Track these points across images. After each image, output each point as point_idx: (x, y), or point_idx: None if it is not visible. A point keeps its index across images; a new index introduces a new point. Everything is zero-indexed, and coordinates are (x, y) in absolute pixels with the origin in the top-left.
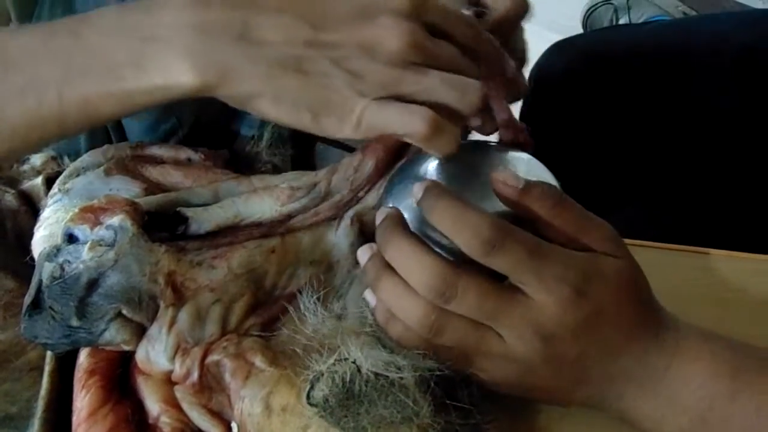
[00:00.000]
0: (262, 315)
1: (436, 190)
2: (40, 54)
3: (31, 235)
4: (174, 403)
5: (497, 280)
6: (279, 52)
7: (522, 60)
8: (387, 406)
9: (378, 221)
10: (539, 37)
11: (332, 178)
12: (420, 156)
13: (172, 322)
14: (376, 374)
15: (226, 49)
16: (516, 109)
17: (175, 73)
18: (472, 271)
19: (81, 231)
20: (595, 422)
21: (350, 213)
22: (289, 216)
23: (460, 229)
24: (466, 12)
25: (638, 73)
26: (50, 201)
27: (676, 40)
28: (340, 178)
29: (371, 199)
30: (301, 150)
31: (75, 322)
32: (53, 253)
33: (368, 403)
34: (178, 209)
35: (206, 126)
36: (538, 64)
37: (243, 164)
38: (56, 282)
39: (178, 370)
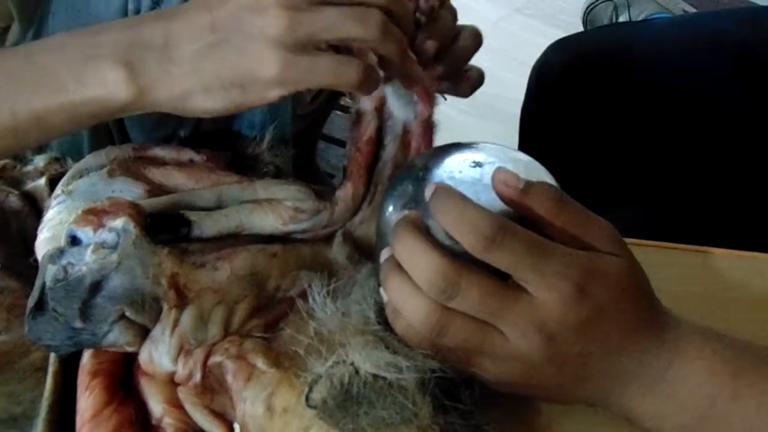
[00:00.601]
0: (265, 317)
1: (443, 190)
2: None
3: (34, 236)
4: (177, 404)
5: (501, 280)
6: (193, 46)
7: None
8: (386, 408)
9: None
10: (539, 32)
11: (335, 211)
12: (418, 157)
13: (175, 324)
14: (375, 376)
15: (153, 58)
16: (517, 106)
17: (111, 84)
18: (476, 270)
19: (84, 233)
20: (596, 422)
21: (339, 232)
22: (288, 233)
23: (460, 225)
24: None
25: (638, 71)
26: (53, 202)
27: (676, 38)
28: (341, 210)
29: (357, 217)
30: (303, 150)
31: (78, 324)
32: (56, 255)
33: (367, 404)
34: (181, 212)
35: (206, 127)
36: (538, 62)
37: (245, 165)
38: (60, 284)
39: (181, 371)
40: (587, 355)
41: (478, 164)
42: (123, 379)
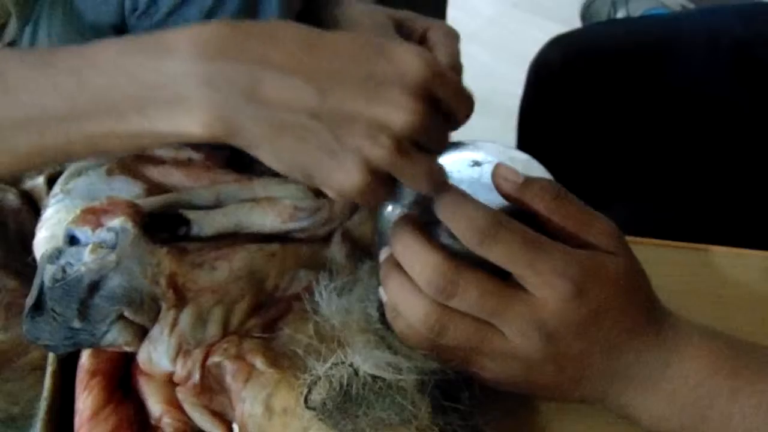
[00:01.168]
0: (264, 316)
1: (444, 185)
2: (42, 89)
3: (33, 235)
4: (176, 404)
5: (500, 279)
6: (282, 115)
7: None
8: (385, 409)
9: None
10: (537, 26)
11: (334, 208)
12: None
13: (174, 324)
14: (374, 377)
15: (232, 105)
16: (515, 101)
17: (180, 124)
18: (475, 269)
19: (82, 233)
20: (595, 422)
21: (338, 231)
22: (288, 232)
23: (457, 219)
24: None
25: (636, 67)
26: (52, 201)
27: (673, 34)
28: (340, 207)
29: (356, 216)
30: None
31: (77, 324)
32: (55, 255)
33: (366, 405)
34: (180, 211)
35: None
36: (536, 58)
37: (243, 163)
38: (58, 284)
39: (180, 371)
40: (587, 354)
41: (476, 163)
42: (122, 379)
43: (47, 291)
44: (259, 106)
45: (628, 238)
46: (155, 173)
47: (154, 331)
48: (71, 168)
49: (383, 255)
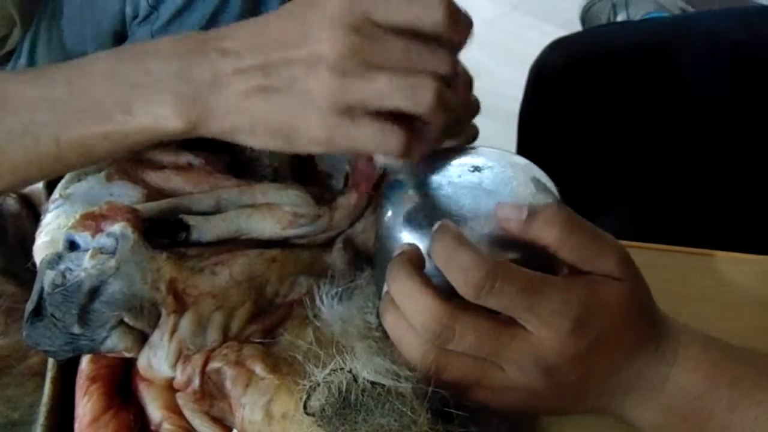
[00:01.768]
0: (264, 322)
1: (442, 228)
2: (37, 101)
3: (32, 240)
4: (176, 410)
5: (497, 317)
6: (241, 87)
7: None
8: (384, 415)
9: (394, 254)
10: (536, 29)
11: (334, 216)
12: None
13: (174, 329)
14: (373, 383)
15: (201, 93)
16: (514, 104)
17: (160, 116)
18: (471, 310)
19: (82, 238)
20: (596, 424)
21: (340, 239)
22: (287, 239)
23: (452, 270)
24: None
25: (636, 70)
26: (51, 206)
27: (673, 37)
28: (341, 216)
29: (360, 225)
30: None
31: (77, 330)
32: (55, 260)
33: (365, 412)
34: (180, 216)
35: None
36: (537, 61)
37: (243, 168)
38: (58, 289)
39: (180, 377)
40: (585, 378)
41: (477, 168)
42: (121, 384)
43: (47, 296)
44: (222, 86)
45: (629, 243)
46: (155, 178)
47: (154, 337)
48: (70, 173)
49: (384, 288)
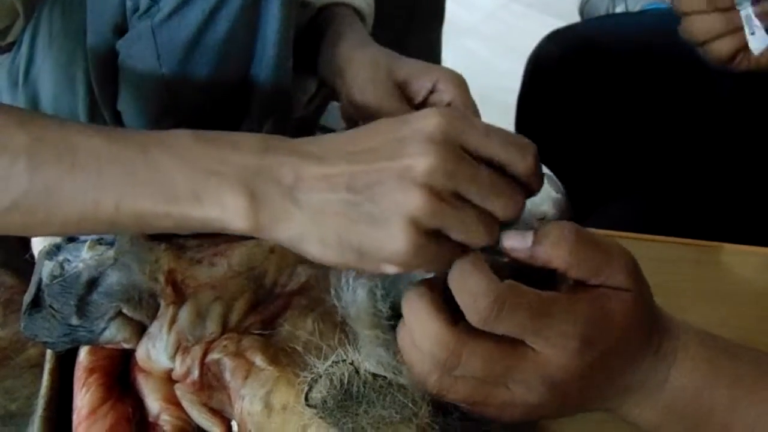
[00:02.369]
0: (263, 313)
1: (462, 257)
2: (106, 160)
3: None
4: (174, 401)
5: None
6: (321, 196)
7: None
8: (386, 407)
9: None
10: (535, 20)
11: None
12: None
13: (173, 321)
14: (375, 375)
15: (278, 195)
16: (513, 96)
17: (229, 210)
18: (479, 335)
19: None
20: (595, 422)
21: None
22: None
23: (462, 295)
24: None
25: (634, 62)
26: None
27: (672, 29)
28: None
29: None
30: None
31: (75, 321)
32: (53, 251)
33: (367, 403)
34: None
35: (207, 122)
36: (534, 52)
37: None
38: (56, 280)
39: (179, 368)
40: (587, 387)
41: None
42: (120, 376)
43: (45, 288)
44: (301, 193)
45: (629, 235)
46: None
47: (153, 328)
48: None
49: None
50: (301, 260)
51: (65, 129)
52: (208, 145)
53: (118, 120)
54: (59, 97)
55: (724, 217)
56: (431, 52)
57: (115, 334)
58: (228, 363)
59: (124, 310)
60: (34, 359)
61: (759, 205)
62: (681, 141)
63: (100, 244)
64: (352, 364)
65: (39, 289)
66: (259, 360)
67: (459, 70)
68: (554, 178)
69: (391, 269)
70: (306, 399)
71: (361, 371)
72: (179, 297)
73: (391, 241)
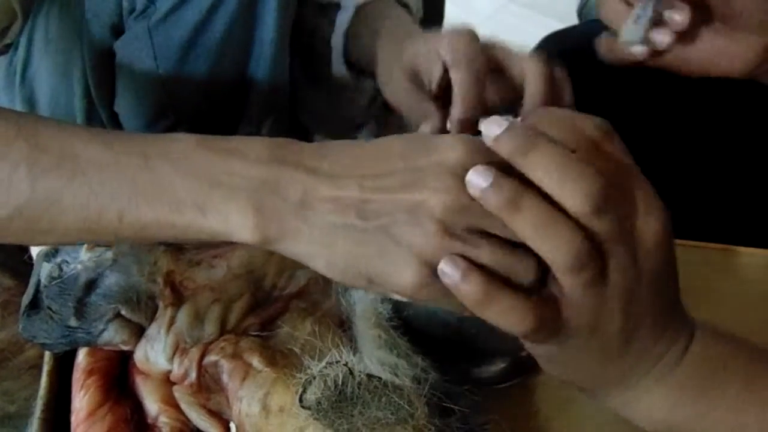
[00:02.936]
0: (261, 315)
1: (528, 130)
2: (109, 170)
3: None
4: (173, 403)
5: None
6: (331, 218)
7: None
8: (381, 408)
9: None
10: (534, 22)
11: None
12: None
13: (171, 322)
14: (370, 376)
15: (286, 211)
16: None
17: (234, 224)
18: None
19: None
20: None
21: None
22: None
23: (567, 185)
24: None
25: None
26: None
27: None
28: None
29: None
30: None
31: (73, 323)
32: (51, 252)
33: (362, 405)
34: None
35: (204, 122)
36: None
37: None
38: (54, 282)
39: (177, 370)
40: (629, 329)
41: None
42: (118, 377)
43: (44, 289)
44: (310, 211)
45: None
46: None
47: (151, 330)
48: None
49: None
50: (301, 264)
51: (64, 135)
52: (212, 153)
53: (115, 120)
54: (56, 98)
55: (732, 219)
56: None
57: (113, 335)
58: (226, 365)
59: (123, 312)
60: (33, 361)
61: (760, 207)
62: (683, 142)
63: (99, 245)
64: (346, 365)
65: (37, 290)
66: (256, 362)
67: None
68: None
69: (399, 297)
70: (300, 400)
71: (356, 372)
72: (178, 299)
73: (398, 274)
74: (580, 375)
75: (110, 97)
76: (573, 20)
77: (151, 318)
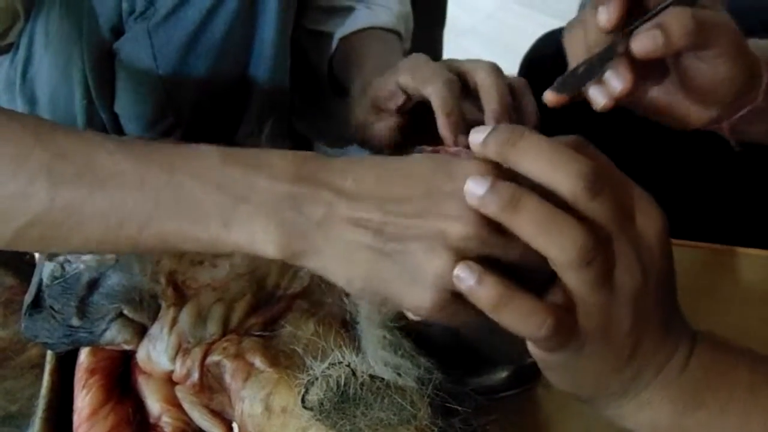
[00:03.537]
0: (264, 315)
1: (515, 129)
2: (132, 182)
3: None
4: (175, 403)
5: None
6: (351, 236)
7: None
8: (384, 409)
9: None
10: (535, 21)
11: None
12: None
13: (174, 322)
14: (372, 377)
15: (309, 228)
16: None
17: (258, 240)
18: None
19: None
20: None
21: None
22: None
23: (559, 168)
24: None
25: None
26: None
27: None
28: None
29: None
30: (300, 145)
31: (76, 322)
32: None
33: (364, 405)
34: None
35: (205, 121)
36: (528, 53)
37: None
38: (57, 281)
39: (179, 370)
40: (638, 332)
41: None
42: (121, 377)
43: (46, 288)
44: (332, 229)
45: None
46: None
47: (154, 330)
48: None
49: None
50: None
51: (85, 144)
52: (236, 167)
53: (115, 121)
54: (56, 99)
55: (732, 219)
56: (432, 53)
57: (115, 335)
58: (228, 365)
59: (125, 312)
60: (35, 360)
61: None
62: (682, 142)
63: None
64: (349, 365)
65: (40, 289)
66: (259, 362)
67: None
68: None
69: (413, 317)
70: (303, 401)
71: (359, 373)
72: (180, 298)
73: (414, 297)
74: (585, 385)
75: (110, 98)
76: None
77: (154, 318)
